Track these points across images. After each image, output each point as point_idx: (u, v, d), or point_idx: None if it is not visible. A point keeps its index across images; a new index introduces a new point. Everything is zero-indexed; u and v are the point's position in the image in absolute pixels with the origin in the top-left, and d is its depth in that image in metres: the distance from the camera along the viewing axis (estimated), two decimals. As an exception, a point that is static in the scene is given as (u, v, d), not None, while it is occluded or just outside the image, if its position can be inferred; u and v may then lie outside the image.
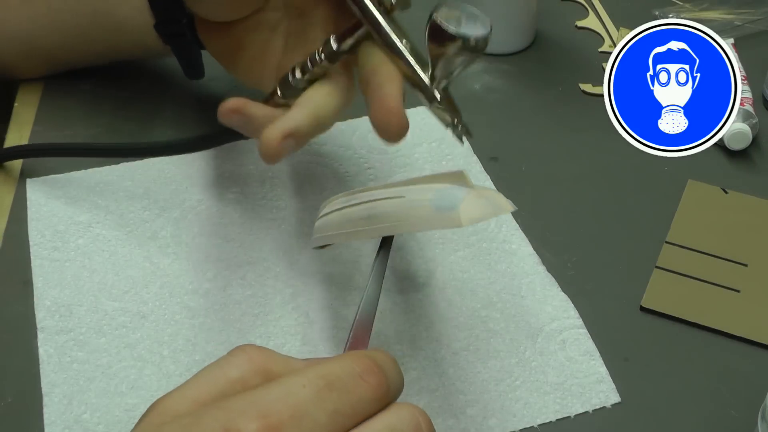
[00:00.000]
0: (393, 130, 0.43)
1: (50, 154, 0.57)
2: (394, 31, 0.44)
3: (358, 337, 0.36)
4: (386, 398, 0.32)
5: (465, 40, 0.40)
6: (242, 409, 0.29)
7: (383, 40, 0.44)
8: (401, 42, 0.44)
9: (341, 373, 0.31)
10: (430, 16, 0.40)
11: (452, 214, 0.35)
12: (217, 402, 0.31)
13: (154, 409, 0.31)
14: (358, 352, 0.33)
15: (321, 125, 0.46)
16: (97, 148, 0.58)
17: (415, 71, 0.44)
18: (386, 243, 0.39)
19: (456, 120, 0.44)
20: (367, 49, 0.45)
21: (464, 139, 0.45)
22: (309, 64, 0.46)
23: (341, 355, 0.33)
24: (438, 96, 0.43)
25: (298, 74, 0.47)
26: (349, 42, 0.45)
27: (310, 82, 0.47)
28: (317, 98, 0.46)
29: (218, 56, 0.54)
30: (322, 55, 0.46)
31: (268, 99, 0.49)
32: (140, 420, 0.31)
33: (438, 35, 0.40)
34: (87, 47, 0.62)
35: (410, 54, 0.44)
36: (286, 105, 0.47)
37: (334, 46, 0.45)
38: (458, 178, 0.36)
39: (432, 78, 0.43)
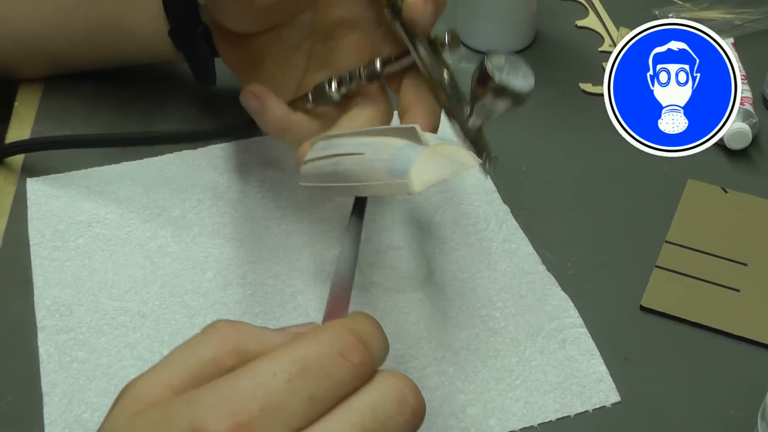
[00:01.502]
0: None
1: (57, 147, 0.57)
2: (439, 66, 0.46)
3: (337, 302, 0.33)
4: (369, 373, 0.30)
5: (509, 90, 0.42)
6: (211, 405, 0.28)
7: (429, 73, 0.46)
8: (445, 77, 0.46)
9: (318, 355, 0.29)
10: (482, 61, 0.42)
11: (404, 179, 0.33)
12: (192, 388, 0.29)
13: (126, 393, 0.30)
14: (338, 325, 0.30)
15: None
16: (98, 139, 0.57)
17: (455, 106, 0.46)
18: (360, 201, 0.37)
19: (486, 155, 0.46)
20: (410, 78, 0.47)
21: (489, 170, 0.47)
22: (348, 77, 0.48)
23: (319, 330, 0.30)
24: (473, 132, 0.46)
25: (334, 86, 0.48)
26: (394, 67, 0.47)
27: (344, 96, 0.48)
28: (360, 121, 0.48)
29: (234, 67, 0.53)
30: (363, 73, 0.47)
31: (296, 102, 0.50)
32: (114, 403, 0.31)
33: (485, 80, 0.42)
34: (95, 52, 0.62)
35: (452, 89, 0.46)
36: (310, 111, 0.49)
37: (378, 68, 0.47)
38: (411, 135, 0.34)
39: (470, 114, 0.45)
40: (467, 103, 0.45)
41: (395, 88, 0.49)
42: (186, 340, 0.31)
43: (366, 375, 0.30)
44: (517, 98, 0.42)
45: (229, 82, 0.62)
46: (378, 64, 0.47)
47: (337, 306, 0.33)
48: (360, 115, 0.48)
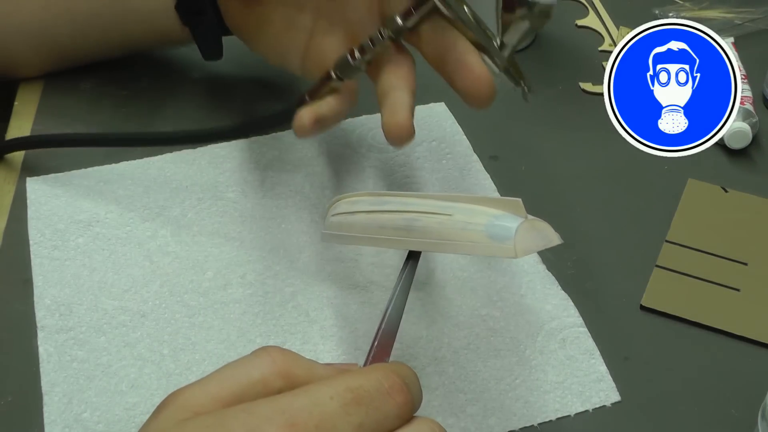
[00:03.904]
0: (483, 95, 0.45)
1: (57, 145, 0.57)
2: (459, 4, 0.45)
3: (383, 347, 0.36)
4: (409, 415, 0.32)
5: (534, 5, 0.44)
6: (268, 416, 0.29)
7: (454, 14, 0.45)
8: (467, 13, 0.45)
9: (369, 388, 0.31)
10: None
11: (507, 243, 0.35)
12: (239, 403, 0.31)
13: (173, 402, 0.31)
14: (386, 367, 0.33)
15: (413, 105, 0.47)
16: (101, 139, 0.57)
17: (485, 40, 0.45)
18: (415, 255, 0.39)
19: (523, 82, 0.47)
20: (433, 25, 0.46)
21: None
22: (370, 43, 0.47)
23: (369, 368, 0.33)
24: (506, 61, 0.46)
25: (357, 55, 0.47)
26: (415, 18, 0.46)
27: (368, 63, 0.47)
28: (401, 86, 0.47)
29: (240, 31, 0.53)
30: (386, 33, 0.46)
31: (322, 83, 0.49)
32: (158, 411, 0.31)
33: (510, 3, 0.44)
34: (100, 36, 0.61)
35: (477, 24, 0.45)
36: (336, 89, 0.48)
37: (399, 22, 0.46)
38: (514, 206, 0.36)
39: (501, 46, 0.45)
40: (493, 35, 0.45)
41: (414, 43, 0.48)
42: (237, 359, 0.33)
43: (405, 416, 0.32)
44: (541, 13, 0.44)
45: (229, 82, 0.62)
46: (398, 18, 0.46)
47: (381, 351, 0.36)
48: (397, 80, 0.47)
